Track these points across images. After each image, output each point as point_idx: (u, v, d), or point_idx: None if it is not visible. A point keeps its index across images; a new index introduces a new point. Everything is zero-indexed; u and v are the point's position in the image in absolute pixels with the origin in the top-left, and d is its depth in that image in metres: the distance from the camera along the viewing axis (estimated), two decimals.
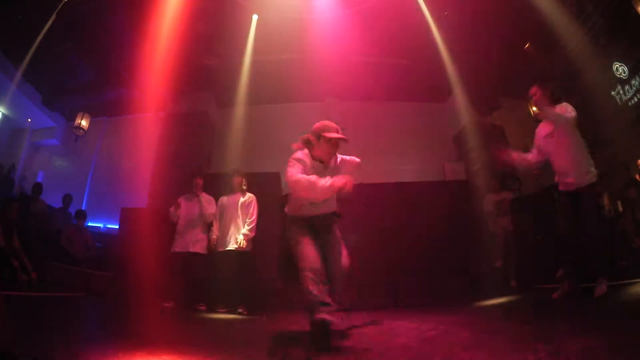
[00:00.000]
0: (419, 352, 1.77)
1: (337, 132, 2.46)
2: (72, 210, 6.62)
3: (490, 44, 6.27)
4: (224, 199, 4.61)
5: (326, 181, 2.22)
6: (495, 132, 7.26)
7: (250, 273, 4.38)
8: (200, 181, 4.77)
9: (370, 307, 4.04)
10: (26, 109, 7.71)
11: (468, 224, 5.49)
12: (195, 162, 6.90)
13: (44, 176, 8.03)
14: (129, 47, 5.98)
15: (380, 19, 6.18)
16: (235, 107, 7.33)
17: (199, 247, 4.55)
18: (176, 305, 4.22)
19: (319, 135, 2.43)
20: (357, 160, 2.76)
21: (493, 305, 3.69)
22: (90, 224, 6.90)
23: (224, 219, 4.49)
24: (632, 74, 5.35)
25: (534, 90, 3.32)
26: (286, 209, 2.59)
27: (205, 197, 4.69)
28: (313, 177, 2.26)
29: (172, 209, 4.63)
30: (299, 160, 2.42)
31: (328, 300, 2.13)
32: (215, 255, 4.42)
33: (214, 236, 4.47)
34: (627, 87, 5.44)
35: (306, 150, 2.48)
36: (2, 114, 7.72)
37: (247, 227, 4.36)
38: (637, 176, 4.92)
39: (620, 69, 5.50)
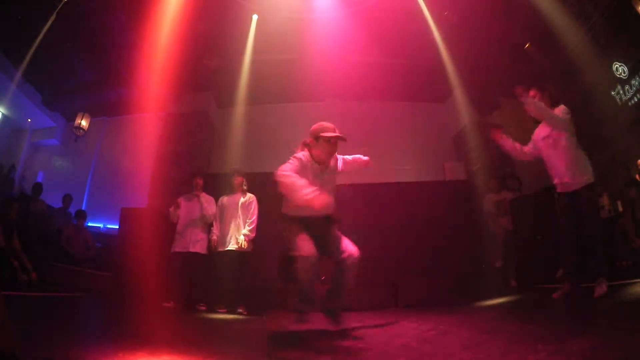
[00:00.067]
0: (419, 352, 1.77)
1: (335, 132, 2.47)
2: (72, 210, 6.62)
3: (490, 43, 6.27)
4: (224, 199, 4.61)
5: (308, 193, 2.17)
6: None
7: (250, 273, 4.39)
8: (200, 181, 4.77)
9: (370, 307, 4.05)
10: (26, 109, 7.71)
11: (468, 224, 5.50)
12: (195, 162, 6.90)
13: (44, 176, 8.03)
14: (129, 47, 5.99)
15: (380, 19, 6.18)
16: (235, 107, 7.33)
17: (199, 247, 4.55)
18: (176, 305, 4.23)
19: (317, 136, 2.44)
20: (364, 158, 2.77)
21: (493, 305, 3.69)
22: (90, 224, 6.90)
23: (224, 219, 4.49)
24: (632, 74, 5.34)
25: (532, 93, 3.34)
26: (283, 209, 2.59)
27: (205, 198, 4.69)
28: (301, 182, 2.22)
29: (172, 209, 4.63)
30: (298, 159, 2.42)
31: (313, 297, 2.30)
32: (215, 255, 4.42)
33: (214, 237, 4.47)
34: (627, 87, 5.43)
35: (307, 152, 2.48)
36: (2, 114, 7.71)
37: (247, 228, 4.36)
38: (637, 176, 4.91)
39: (620, 69, 5.49)
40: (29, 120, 8.12)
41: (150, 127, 7.14)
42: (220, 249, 4.38)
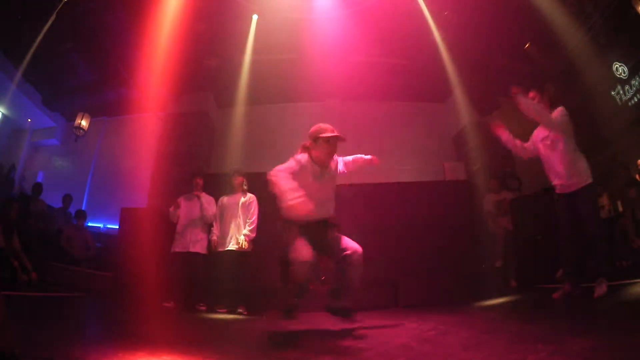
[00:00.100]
0: (419, 352, 1.77)
1: (333, 132, 2.47)
2: (72, 210, 6.62)
3: (490, 43, 6.27)
4: (224, 199, 4.61)
5: (294, 197, 2.18)
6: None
7: (250, 273, 4.39)
8: (200, 181, 4.77)
9: (370, 307, 4.04)
10: (26, 109, 7.71)
11: (468, 224, 5.50)
12: (195, 162, 6.90)
13: (44, 176, 8.03)
14: (129, 47, 5.98)
15: (380, 19, 6.18)
16: (235, 107, 7.33)
17: (199, 247, 4.55)
18: (176, 305, 4.23)
19: (316, 137, 2.44)
20: (366, 157, 2.77)
21: (493, 305, 3.70)
22: (90, 224, 6.90)
23: (225, 219, 4.48)
24: (632, 74, 5.34)
25: (532, 95, 3.36)
26: (282, 210, 2.58)
27: (205, 198, 4.69)
28: (289, 185, 2.22)
29: (171, 209, 4.63)
30: (296, 161, 2.42)
31: (307, 291, 2.35)
32: (216, 255, 4.42)
33: (214, 237, 4.46)
34: (627, 87, 5.43)
35: (306, 155, 2.48)
36: (2, 114, 7.71)
37: (248, 228, 4.36)
38: (637, 176, 4.91)
39: (620, 69, 5.49)
40: (29, 120, 8.12)
41: (150, 127, 7.15)
42: (221, 249, 4.38)
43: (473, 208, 5.76)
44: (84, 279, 5.18)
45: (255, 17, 6.44)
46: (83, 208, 7.02)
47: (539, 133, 3.41)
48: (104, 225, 7.49)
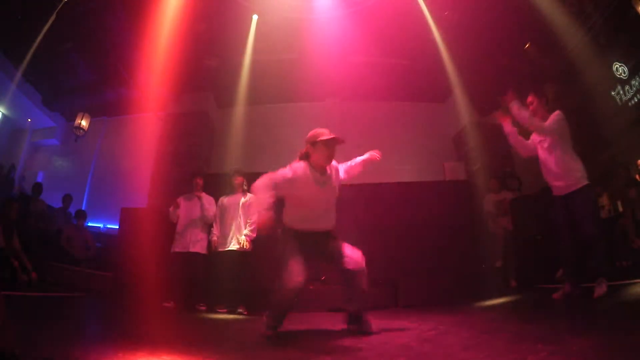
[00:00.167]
0: (419, 352, 1.77)
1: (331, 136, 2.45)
2: (72, 210, 6.62)
3: (490, 43, 6.27)
4: (224, 200, 4.61)
5: (261, 212, 2.29)
6: (495, 132, 7.25)
7: (251, 273, 4.38)
8: (200, 181, 4.77)
9: (370, 307, 4.04)
10: (26, 109, 7.71)
11: (468, 224, 5.49)
12: (195, 162, 6.90)
13: (44, 176, 8.03)
14: (129, 47, 5.98)
15: (380, 19, 6.18)
16: (235, 107, 7.33)
17: (199, 247, 4.55)
18: (176, 305, 4.23)
19: (314, 141, 2.41)
20: (365, 157, 2.75)
21: (493, 305, 3.70)
22: (90, 224, 6.90)
23: (225, 219, 4.48)
24: (632, 74, 5.34)
25: (530, 99, 3.42)
26: (283, 218, 2.54)
27: (206, 199, 4.69)
28: (265, 198, 2.28)
29: (171, 209, 4.63)
30: (293, 170, 2.39)
31: (279, 324, 2.35)
32: (216, 255, 4.41)
33: (214, 237, 4.46)
34: (627, 87, 5.43)
35: (303, 164, 2.45)
36: (2, 114, 7.72)
37: (249, 228, 4.36)
38: (637, 176, 4.91)
39: (620, 69, 5.49)
40: (29, 120, 8.12)
41: (150, 127, 7.15)
42: (222, 249, 4.38)
43: (473, 208, 5.76)
44: (84, 279, 5.19)
45: (255, 17, 6.44)
46: (83, 208, 7.02)
47: (536, 136, 3.45)
48: (104, 225, 7.49)
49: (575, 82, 5.84)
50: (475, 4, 5.67)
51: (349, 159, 2.79)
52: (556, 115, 3.24)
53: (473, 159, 6.99)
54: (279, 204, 2.49)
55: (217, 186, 4.93)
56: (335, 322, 2.85)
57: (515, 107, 3.33)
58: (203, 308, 4.28)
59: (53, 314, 3.29)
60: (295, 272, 2.27)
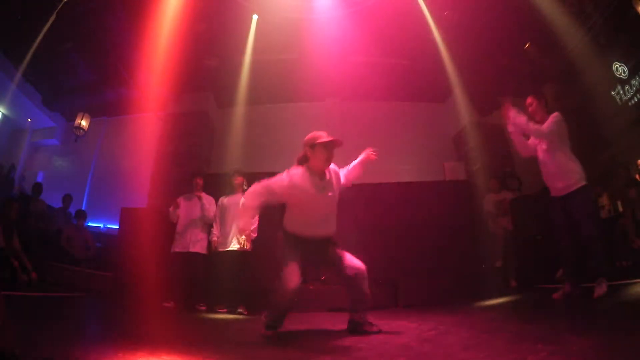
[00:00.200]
0: (419, 352, 1.77)
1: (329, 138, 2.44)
2: (72, 210, 6.62)
3: (490, 43, 6.27)
4: (224, 200, 4.61)
5: (246, 223, 2.48)
6: (495, 132, 7.26)
7: (251, 273, 4.39)
8: (200, 181, 4.77)
9: (370, 307, 4.04)
10: (26, 109, 7.71)
11: (468, 224, 5.49)
12: (195, 162, 6.90)
13: (44, 176, 8.03)
14: (129, 47, 5.98)
15: (380, 19, 6.18)
16: (235, 107, 7.33)
17: (199, 247, 4.56)
18: (176, 305, 4.23)
19: (313, 144, 2.40)
20: (362, 158, 2.75)
21: (493, 305, 3.69)
22: (90, 224, 6.90)
23: (226, 219, 4.48)
24: (632, 74, 5.34)
25: (529, 100, 3.45)
26: (284, 223, 2.53)
27: (207, 199, 4.68)
28: (251, 206, 2.42)
29: (171, 209, 4.63)
30: (290, 176, 2.38)
31: (278, 324, 2.40)
32: (217, 255, 4.41)
33: (215, 238, 4.46)
34: (627, 87, 5.43)
35: (302, 169, 2.43)
36: (2, 114, 7.72)
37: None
38: (637, 176, 4.92)
39: (620, 69, 5.49)
40: (29, 120, 8.12)
41: (150, 127, 7.15)
42: (222, 249, 4.38)
43: (473, 208, 5.76)
44: (84, 279, 5.18)
45: (255, 17, 6.44)
46: (83, 208, 7.02)
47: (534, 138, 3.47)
48: (104, 225, 7.49)
49: (575, 82, 5.84)
50: (475, 4, 5.67)
51: (350, 158, 2.78)
52: (554, 117, 3.26)
53: (473, 159, 6.99)
54: (280, 209, 2.50)
55: (217, 186, 4.93)
56: (335, 322, 2.85)
57: (512, 114, 3.38)
58: (203, 308, 4.28)
59: (53, 314, 3.29)
60: (292, 275, 2.27)
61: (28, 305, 3.61)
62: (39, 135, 8.43)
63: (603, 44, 5.56)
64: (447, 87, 7.05)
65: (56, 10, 5.68)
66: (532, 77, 6.53)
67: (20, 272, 4.38)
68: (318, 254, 2.46)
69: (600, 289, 2.92)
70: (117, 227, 6.12)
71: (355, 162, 2.75)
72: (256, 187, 2.41)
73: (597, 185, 5.14)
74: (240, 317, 3.99)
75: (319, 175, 2.43)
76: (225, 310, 4.17)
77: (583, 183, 3.16)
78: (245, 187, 4.57)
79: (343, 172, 2.67)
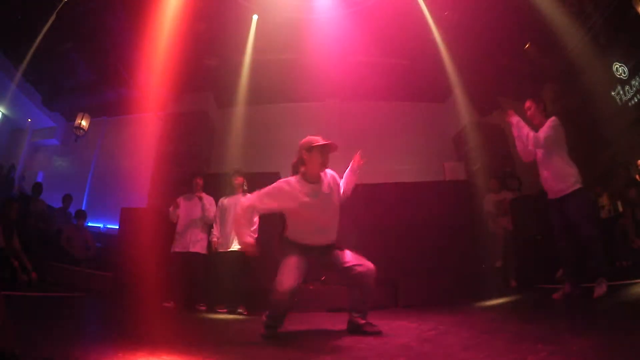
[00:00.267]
0: (419, 352, 1.77)
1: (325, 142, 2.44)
2: (72, 210, 6.62)
3: (490, 43, 6.27)
4: (224, 201, 4.60)
5: (245, 236, 2.45)
6: (495, 132, 7.26)
7: (251, 273, 4.38)
8: (200, 181, 4.76)
9: (370, 307, 4.04)
10: (26, 109, 7.72)
11: (468, 224, 5.49)
12: (195, 162, 6.90)
13: (44, 176, 8.04)
14: (129, 47, 5.99)
15: (380, 19, 6.19)
16: (235, 107, 7.33)
17: (199, 247, 4.55)
18: (176, 305, 4.22)
19: (309, 147, 2.39)
20: (352, 166, 2.75)
21: (493, 305, 3.70)
22: (90, 224, 6.90)
23: (226, 220, 4.47)
24: (632, 74, 5.34)
25: (528, 104, 3.51)
26: (286, 231, 2.52)
27: (207, 199, 4.68)
28: (248, 220, 2.42)
29: (171, 209, 4.63)
30: (278, 187, 2.40)
31: (278, 325, 2.37)
32: (218, 255, 4.40)
33: (215, 238, 4.46)
34: (627, 87, 5.43)
35: (294, 178, 2.43)
36: (2, 114, 7.72)
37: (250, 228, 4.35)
38: (637, 176, 4.92)
39: (620, 69, 5.49)
40: (29, 120, 8.12)
41: (150, 127, 7.15)
42: (223, 250, 4.37)
43: (473, 208, 5.76)
44: (84, 279, 5.18)
45: (255, 17, 6.45)
46: (83, 208, 7.02)
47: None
48: (104, 225, 7.49)
49: (575, 82, 5.85)
50: (475, 4, 5.67)
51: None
52: (551, 122, 3.31)
53: (473, 159, 6.99)
54: (281, 216, 2.51)
55: (217, 186, 4.92)
56: (335, 322, 2.85)
57: (514, 121, 3.47)
58: (203, 308, 4.27)
59: (53, 314, 3.29)
60: (287, 277, 2.27)
61: (28, 305, 3.60)
62: (39, 135, 8.44)
63: (603, 44, 5.56)
64: (447, 87, 7.06)
65: (56, 10, 5.68)
66: (532, 77, 6.54)
67: (20, 272, 4.38)
68: (321, 259, 2.46)
69: (600, 289, 2.93)
70: (117, 227, 6.12)
71: (346, 172, 2.74)
72: (248, 201, 2.47)
73: (597, 185, 5.14)
74: (240, 317, 3.99)
75: (313, 179, 2.43)
76: (225, 310, 4.17)
77: (578, 186, 3.20)
78: (245, 188, 4.57)
79: (342, 185, 2.67)
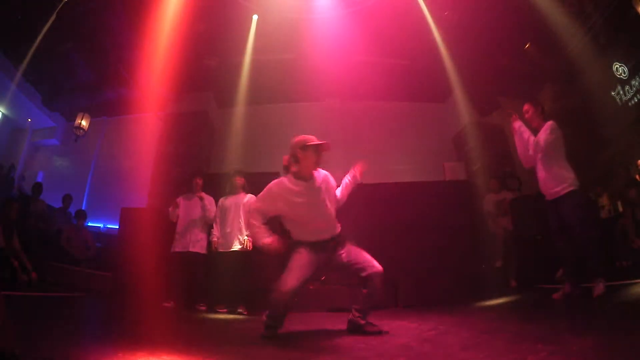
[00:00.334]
0: (419, 352, 1.77)
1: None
2: (72, 210, 6.62)
3: (490, 43, 6.27)
4: (224, 201, 4.59)
5: (262, 238, 2.40)
6: (495, 132, 7.26)
7: (252, 273, 4.38)
8: (200, 181, 4.76)
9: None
10: (26, 109, 7.71)
11: (468, 224, 5.49)
12: (195, 162, 6.90)
13: (44, 176, 8.04)
14: (129, 47, 5.99)
15: (380, 19, 6.18)
16: (235, 107, 7.33)
17: (199, 247, 4.55)
18: (176, 305, 4.22)
19: (304, 146, 2.40)
20: (354, 173, 2.76)
21: (493, 305, 3.70)
22: (90, 224, 6.90)
23: (227, 220, 4.46)
24: (632, 74, 5.34)
25: (526, 107, 3.56)
26: (291, 235, 2.55)
27: (207, 199, 4.67)
28: (260, 231, 2.40)
29: (171, 209, 4.63)
30: (267, 191, 2.46)
31: (278, 325, 2.36)
32: (218, 256, 4.40)
33: (215, 239, 4.45)
34: (627, 87, 5.43)
35: (285, 178, 2.45)
36: (2, 114, 7.72)
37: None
38: (637, 176, 4.92)
39: (620, 69, 5.49)
40: (29, 120, 8.12)
41: (150, 127, 7.15)
42: (223, 250, 4.37)
43: (473, 208, 5.76)
44: (84, 279, 5.18)
45: (255, 17, 6.44)
46: (83, 208, 7.02)
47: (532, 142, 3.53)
48: (104, 225, 7.49)
49: (575, 82, 5.85)
50: (475, 4, 5.67)
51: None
52: (549, 126, 3.33)
53: (473, 159, 6.99)
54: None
55: (217, 186, 4.92)
56: (335, 322, 2.86)
57: (517, 126, 3.52)
58: (203, 308, 4.27)
59: (53, 314, 3.29)
60: (290, 278, 2.28)
61: (28, 305, 3.60)
62: (39, 135, 8.44)
63: (603, 44, 5.56)
64: (447, 87, 7.06)
65: (56, 10, 5.68)
66: (532, 77, 6.54)
67: (20, 272, 4.38)
68: (332, 258, 2.47)
69: (598, 288, 2.94)
70: (117, 227, 6.12)
71: (345, 181, 2.75)
72: (252, 206, 2.57)
73: (597, 185, 5.14)
74: (240, 317, 3.99)
75: (306, 178, 2.44)
76: (225, 310, 4.17)
77: (572, 188, 3.22)
78: (245, 188, 4.57)
79: (339, 193, 2.69)
